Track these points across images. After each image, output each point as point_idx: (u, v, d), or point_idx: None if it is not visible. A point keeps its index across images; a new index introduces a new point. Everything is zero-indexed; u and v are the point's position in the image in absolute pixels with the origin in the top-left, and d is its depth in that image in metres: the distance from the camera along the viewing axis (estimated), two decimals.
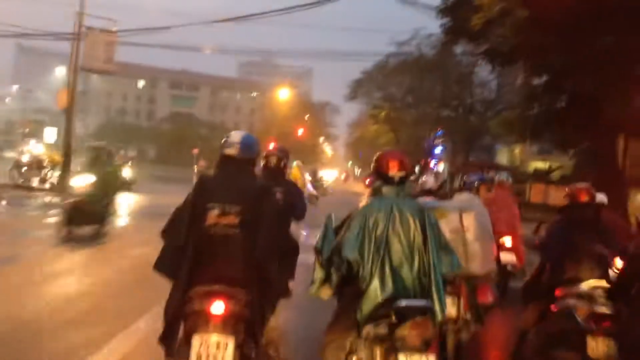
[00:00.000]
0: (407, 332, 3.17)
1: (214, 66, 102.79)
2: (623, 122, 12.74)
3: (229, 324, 3.21)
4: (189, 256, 3.35)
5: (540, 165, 38.80)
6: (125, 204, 17.15)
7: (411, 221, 3.41)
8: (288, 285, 4.36)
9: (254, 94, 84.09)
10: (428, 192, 6.38)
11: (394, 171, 3.53)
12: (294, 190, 5.18)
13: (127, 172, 20.31)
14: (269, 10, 18.25)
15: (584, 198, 4.53)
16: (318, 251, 3.49)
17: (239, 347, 3.23)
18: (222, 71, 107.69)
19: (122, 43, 19.67)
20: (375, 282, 3.31)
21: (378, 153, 3.75)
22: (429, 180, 7.48)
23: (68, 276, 7.60)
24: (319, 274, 3.48)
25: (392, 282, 3.31)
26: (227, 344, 3.16)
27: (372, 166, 3.69)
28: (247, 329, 3.30)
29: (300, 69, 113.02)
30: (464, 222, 4.22)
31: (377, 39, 46.36)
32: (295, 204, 4.98)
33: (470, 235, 4.19)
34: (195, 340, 3.17)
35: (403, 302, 3.24)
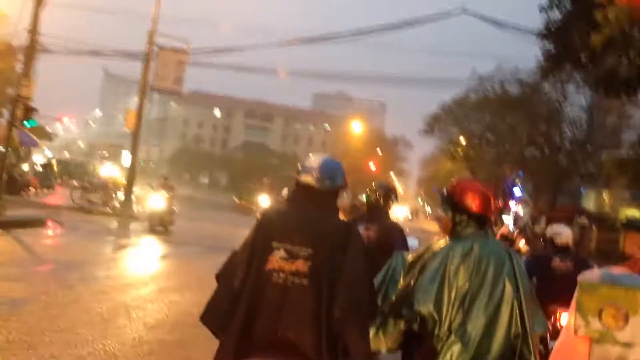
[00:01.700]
0: None
1: (288, 97, 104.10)
2: None
3: None
4: (242, 309, 2.54)
5: (636, 213, 35.35)
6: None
7: (499, 269, 2.72)
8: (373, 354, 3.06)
9: (327, 126, 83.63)
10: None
11: (478, 207, 2.84)
12: (393, 232, 4.60)
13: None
14: (343, 31, 17.14)
15: None
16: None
17: None
18: (296, 102, 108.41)
19: (193, 64, 18.93)
20: (455, 344, 2.63)
21: (456, 182, 3.06)
22: (562, 232, 5.65)
23: (75, 334, 5.66)
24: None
25: (477, 347, 2.61)
26: None
27: (446, 197, 2.95)
28: None
29: (374, 102, 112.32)
30: None
31: (457, 64, 44.62)
32: (392, 247, 4.09)
33: None
34: None
35: None
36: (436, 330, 2.69)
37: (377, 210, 4.74)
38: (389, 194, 4.83)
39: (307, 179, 2.73)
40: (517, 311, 2.69)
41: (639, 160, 13.03)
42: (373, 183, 5.03)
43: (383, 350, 2.92)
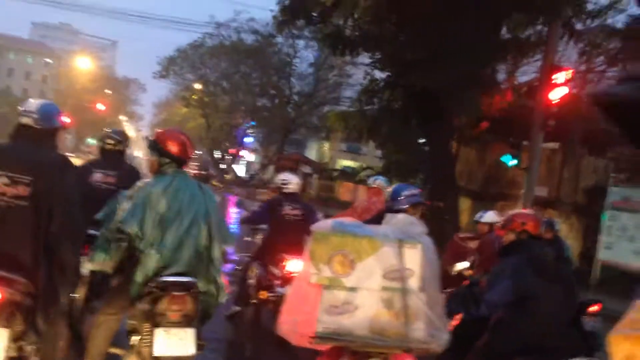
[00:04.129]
0: (166, 306, 3.20)
1: (2, 25, 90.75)
2: (459, 126, 12.50)
3: (2, 313, 2.85)
4: None
5: (350, 163, 39.60)
6: None
7: (192, 197, 3.47)
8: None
9: (49, 60, 75.17)
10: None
11: (177, 151, 3.55)
12: (133, 175, 4.86)
13: None
14: None
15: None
16: (99, 222, 3.53)
17: (16, 339, 2.92)
18: (11, 31, 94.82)
19: None
20: (152, 254, 3.31)
21: (160, 131, 3.81)
22: (291, 181, 5.86)
23: None
24: (101, 245, 3.44)
25: (171, 256, 3.33)
26: None
27: (152, 143, 3.60)
28: (27, 320, 2.96)
29: (104, 40, 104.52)
30: (406, 260, 2.59)
31: (194, 6, 43.52)
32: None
33: (414, 282, 2.60)
34: None
35: (166, 277, 3.27)
36: (140, 245, 3.31)
37: (113, 157, 5.03)
38: (123, 140, 5.13)
39: (27, 120, 3.20)
40: (206, 229, 3.45)
41: (357, 115, 14.39)
42: (105, 129, 5.42)
43: (109, 269, 3.48)
